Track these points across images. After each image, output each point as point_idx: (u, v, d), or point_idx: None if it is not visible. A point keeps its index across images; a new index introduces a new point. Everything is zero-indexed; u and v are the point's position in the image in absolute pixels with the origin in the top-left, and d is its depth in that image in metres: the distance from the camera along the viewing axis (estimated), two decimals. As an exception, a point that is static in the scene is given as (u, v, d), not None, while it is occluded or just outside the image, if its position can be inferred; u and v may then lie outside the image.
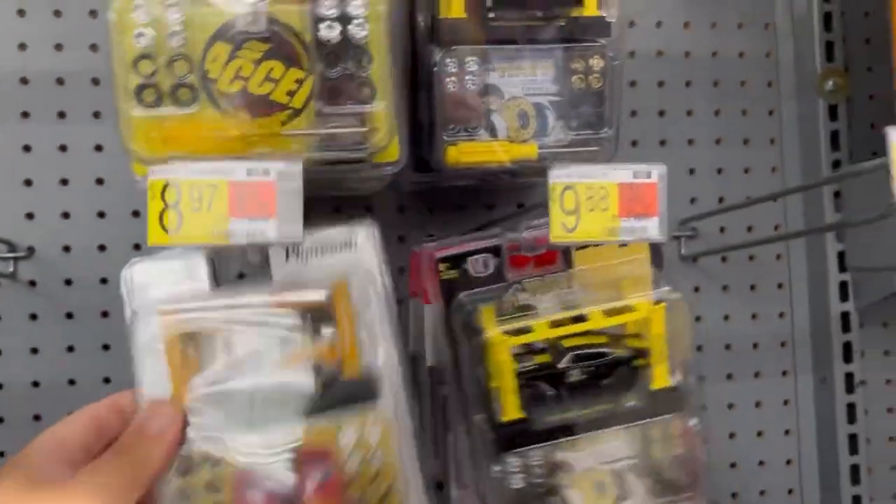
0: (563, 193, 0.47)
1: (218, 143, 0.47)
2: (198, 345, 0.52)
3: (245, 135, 0.48)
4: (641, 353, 0.57)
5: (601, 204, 0.47)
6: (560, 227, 0.46)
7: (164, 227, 0.45)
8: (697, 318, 0.87)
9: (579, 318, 0.55)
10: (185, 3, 0.47)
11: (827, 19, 0.86)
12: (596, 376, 0.57)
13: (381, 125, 0.50)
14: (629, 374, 0.57)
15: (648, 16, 0.87)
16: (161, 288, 0.54)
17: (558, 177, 0.46)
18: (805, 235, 0.85)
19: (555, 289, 0.58)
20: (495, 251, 0.62)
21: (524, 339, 0.55)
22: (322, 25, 0.49)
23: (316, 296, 0.52)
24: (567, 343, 0.56)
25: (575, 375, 0.56)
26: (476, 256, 0.62)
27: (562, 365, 0.55)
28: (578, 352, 0.55)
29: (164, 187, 0.45)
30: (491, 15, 0.58)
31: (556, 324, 0.55)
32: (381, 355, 0.53)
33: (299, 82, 0.49)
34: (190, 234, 0.45)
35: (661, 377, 0.56)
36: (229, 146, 0.47)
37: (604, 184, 0.48)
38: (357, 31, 0.49)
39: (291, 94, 0.49)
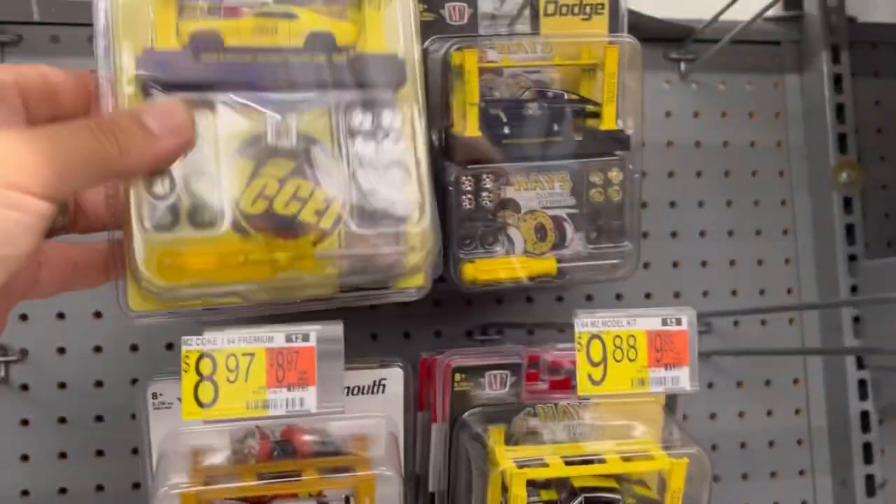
0: (589, 343, 0.44)
1: (243, 269, 0.43)
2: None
3: (273, 259, 0.44)
4: (651, 504, 0.54)
5: (629, 353, 0.45)
6: (587, 380, 0.44)
7: (198, 401, 0.42)
8: (712, 416, 0.85)
9: (594, 456, 0.52)
10: (204, 115, 0.43)
11: (839, 110, 0.85)
12: None
13: (417, 245, 0.46)
14: None
15: (658, 106, 0.86)
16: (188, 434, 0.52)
17: (584, 325, 0.44)
18: (823, 354, 0.83)
19: (566, 419, 0.55)
20: (513, 368, 0.60)
21: (539, 474, 0.52)
22: (357, 140, 0.45)
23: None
24: (576, 482, 0.53)
25: None
26: (494, 372, 0.59)
27: None
28: (589, 495, 0.52)
29: (199, 358, 0.42)
30: (506, 131, 0.57)
31: (571, 461, 0.52)
32: None
33: (329, 202, 0.45)
34: (226, 407, 0.42)
35: None
36: (256, 271, 0.43)
37: (632, 332, 0.45)
38: (392, 147, 0.45)
39: (320, 213, 0.44)
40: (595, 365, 0.44)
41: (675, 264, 0.85)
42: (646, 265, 0.84)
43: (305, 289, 0.45)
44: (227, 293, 0.45)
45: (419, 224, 0.46)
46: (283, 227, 0.44)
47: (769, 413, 0.86)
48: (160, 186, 0.43)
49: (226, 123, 0.44)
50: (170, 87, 0.43)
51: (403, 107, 0.46)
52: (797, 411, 0.86)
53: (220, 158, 0.44)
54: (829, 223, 0.85)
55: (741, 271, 0.86)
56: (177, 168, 0.43)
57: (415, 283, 0.49)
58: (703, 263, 0.86)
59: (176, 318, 0.47)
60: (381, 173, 0.45)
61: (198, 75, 0.44)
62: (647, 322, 0.45)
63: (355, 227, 0.45)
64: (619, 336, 0.45)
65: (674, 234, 0.86)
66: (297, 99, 0.45)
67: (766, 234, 0.87)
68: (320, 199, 0.44)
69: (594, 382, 0.44)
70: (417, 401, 0.62)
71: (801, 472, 0.86)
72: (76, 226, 0.48)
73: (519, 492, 0.51)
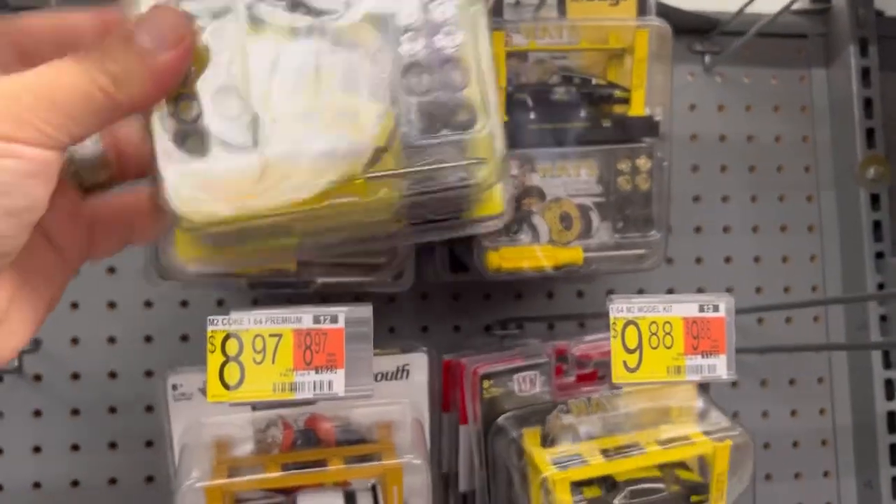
0: (624, 329, 0.43)
1: (284, 196, 0.37)
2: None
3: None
4: (696, 489, 0.52)
5: (665, 340, 0.43)
6: (622, 367, 0.42)
7: (224, 383, 0.40)
8: (735, 415, 0.83)
9: (633, 447, 0.51)
10: (237, 30, 0.37)
11: (867, 104, 0.83)
12: None
13: (484, 153, 0.38)
14: None
15: (682, 98, 0.84)
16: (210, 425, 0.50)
17: (620, 311, 0.42)
18: (849, 350, 0.81)
19: (599, 411, 0.54)
20: (541, 368, 0.58)
21: (581, 474, 0.50)
22: (404, 38, 0.38)
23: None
24: (619, 476, 0.51)
25: None
26: (523, 374, 0.58)
27: (617, 503, 0.51)
28: (633, 487, 0.51)
29: (225, 338, 0.40)
30: (532, 116, 0.55)
31: (610, 455, 0.50)
32: None
33: (380, 117, 0.38)
34: (252, 390, 0.40)
35: None
36: (299, 202, 0.37)
37: (668, 318, 0.43)
38: (446, 41, 0.38)
39: (371, 130, 0.38)
40: (630, 352, 0.43)
41: (698, 260, 0.84)
42: (669, 260, 0.83)
43: (363, 217, 0.39)
44: (272, 228, 0.38)
45: (484, 129, 0.38)
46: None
47: (793, 413, 0.84)
48: (185, 111, 0.37)
49: (258, 38, 0.38)
50: None
51: None
52: (822, 411, 0.85)
53: (253, 75, 0.38)
54: (856, 219, 0.83)
55: (765, 268, 0.85)
56: (205, 89, 0.37)
57: (492, 210, 0.43)
58: (727, 259, 0.84)
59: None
60: (435, 74, 0.39)
61: None
62: (683, 308, 0.44)
63: (412, 139, 0.38)
64: (654, 322, 0.43)
65: (697, 230, 0.84)
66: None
67: (792, 230, 0.86)
68: (371, 113, 0.38)
69: (629, 370, 0.42)
70: (442, 389, 0.61)
71: (826, 473, 0.85)
72: (126, 174, 0.43)
73: (564, 496, 0.50)
